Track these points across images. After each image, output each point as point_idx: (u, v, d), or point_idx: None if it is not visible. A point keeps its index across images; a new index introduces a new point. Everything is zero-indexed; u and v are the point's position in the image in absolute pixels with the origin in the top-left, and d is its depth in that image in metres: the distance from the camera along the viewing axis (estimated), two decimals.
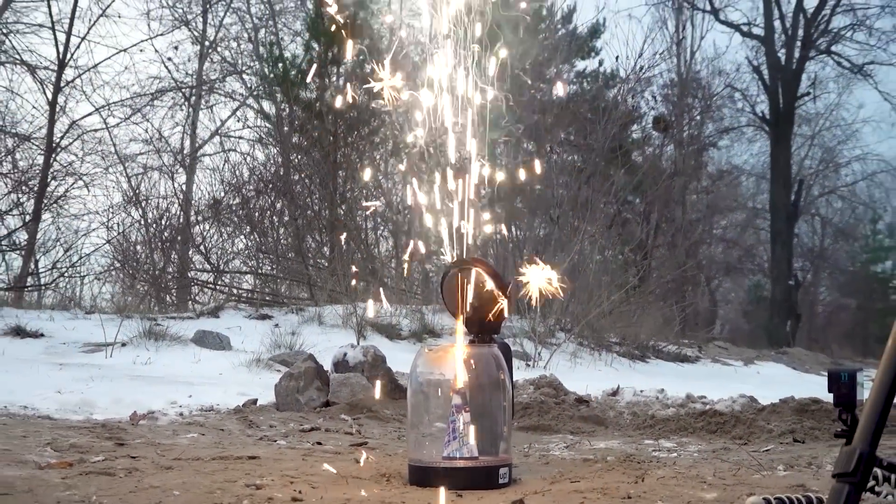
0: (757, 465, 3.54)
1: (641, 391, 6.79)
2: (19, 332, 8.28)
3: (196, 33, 20.51)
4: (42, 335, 8.36)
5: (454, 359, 3.07)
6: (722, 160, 30.47)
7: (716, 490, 2.86)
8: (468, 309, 3.17)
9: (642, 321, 14.44)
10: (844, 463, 1.97)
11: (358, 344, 7.11)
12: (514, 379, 3.71)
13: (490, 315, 3.18)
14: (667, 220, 23.20)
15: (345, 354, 5.93)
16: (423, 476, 2.98)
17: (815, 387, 7.67)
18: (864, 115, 31.57)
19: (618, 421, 5.29)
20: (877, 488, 2.45)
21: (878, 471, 2.39)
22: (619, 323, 13.78)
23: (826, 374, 2.83)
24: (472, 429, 2.99)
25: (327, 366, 5.94)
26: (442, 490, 2.72)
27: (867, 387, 2.52)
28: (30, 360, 7.23)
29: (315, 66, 18.04)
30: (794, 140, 29.49)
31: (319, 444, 4.05)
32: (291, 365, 6.04)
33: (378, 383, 5.58)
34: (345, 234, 15.79)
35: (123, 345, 8.17)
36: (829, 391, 2.49)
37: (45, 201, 17.56)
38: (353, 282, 12.73)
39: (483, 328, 3.20)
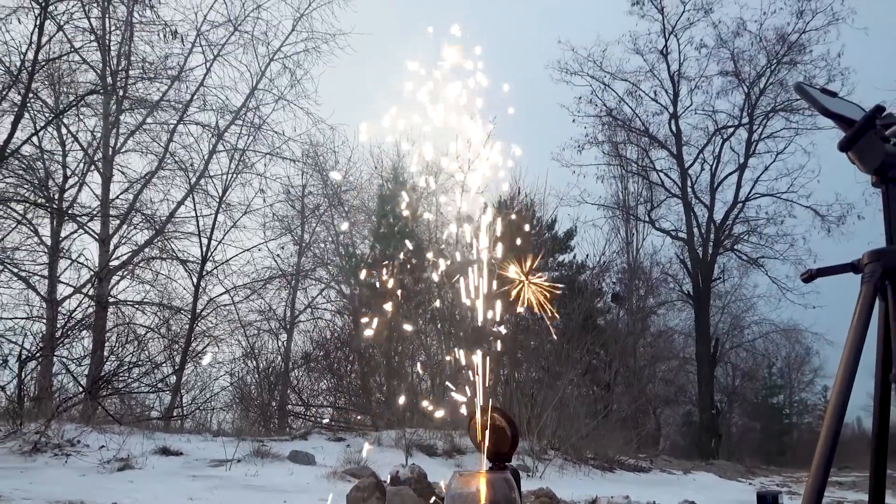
0: None
1: (612, 498, 6.48)
2: (165, 451, 8.07)
3: (296, 237, 20.87)
4: (181, 453, 8.14)
5: (479, 482, 2.91)
6: (660, 323, 30.39)
7: None
8: (489, 444, 3.02)
9: (609, 441, 13.98)
10: None
11: (406, 462, 6.86)
12: (521, 492, 3.52)
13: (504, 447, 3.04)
14: (623, 366, 22.85)
15: (397, 472, 5.71)
16: None
17: (737, 492, 7.32)
18: (758, 291, 31.85)
19: None
20: None
21: None
22: (593, 442, 13.34)
23: (747, 480, 2.63)
24: None
25: (385, 478, 5.71)
26: None
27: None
28: (171, 473, 7.01)
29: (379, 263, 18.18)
30: (711, 309, 29.57)
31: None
32: (359, 478, 5.80)
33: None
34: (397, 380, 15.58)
35: (239, 461, 7.92)
36: None
37: (189, 355, 17.54)
38: (406, 412, 12.44)
39: (499, 457, 3.04)
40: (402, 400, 13.95)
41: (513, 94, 3.43)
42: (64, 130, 16.55)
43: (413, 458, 8.48)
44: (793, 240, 27.31)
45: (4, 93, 14.31)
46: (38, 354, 12.25)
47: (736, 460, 23.54)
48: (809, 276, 2.70)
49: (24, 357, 11.30)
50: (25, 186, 16.09)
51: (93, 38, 15.91)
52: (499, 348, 3.21)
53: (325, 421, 15.49)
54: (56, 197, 16.63)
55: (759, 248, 28.42)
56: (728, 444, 34.08)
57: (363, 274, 18.07)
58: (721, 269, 29.73)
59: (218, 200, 18.05)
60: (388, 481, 5.62)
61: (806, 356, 39.44)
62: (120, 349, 15.26)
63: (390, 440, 10.37)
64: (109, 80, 16.30)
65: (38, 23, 13.78)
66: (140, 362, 15.29)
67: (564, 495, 5.99)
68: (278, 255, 20.15)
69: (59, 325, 14.55)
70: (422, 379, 17.66)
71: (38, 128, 15.47)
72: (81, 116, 16.51)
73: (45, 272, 16.52)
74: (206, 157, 17.69)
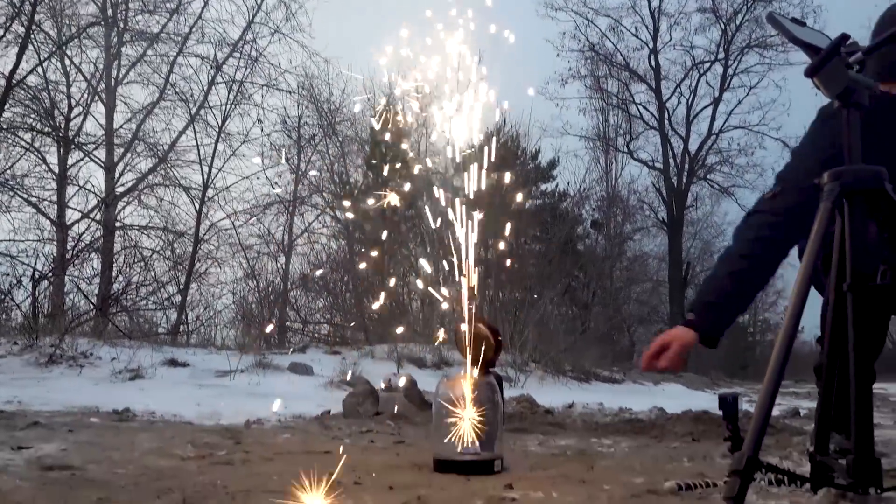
0: (668, 458, 3.41)
1: (587, 405, 6.64)
2: (173, 363, 8.17)
3: (293, 166, 20.75)
4: (188, 365, 8.24)
5: (464, 385, 2.98)
6: (636, 249, 30.52)
7: (642, 476, 2.75)
8: (473, 353, 3.08)
9: (586, 355, 14.22)
10: (736, 463, 1.88)
11: (398, 372, 6.99)
12: (503, 398, 3.60)
13: (488, 356, 3.10)
14: (601, 288, 23.07)
15: (390, 380, 5.82)
16: (444, 466, 2.86)
17: (703, 401, 7.50)
18: (728, 219, 31.95)
19: (573, 426, 5.15)
20: (753, 476, 2.34)
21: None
22: (571, 357, 13.58)
23: (713, 390, 2.72)
24: (475, 433, 2.89)
25: (378, 386, 5.82)
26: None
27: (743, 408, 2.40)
28: (179, 382, 7.12)
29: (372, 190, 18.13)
30: (683, 236, 29.77)
31: (372, 442, 3.93)
32: (354, 386, 5.90)
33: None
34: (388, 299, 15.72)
35: (242, 371, 8.04)
36: (720, 409, 2.39)
37: (193, 276, 17.63)
38: (400, 329, 12.60)
39: (483, 365, 3.11)
40: (399, 329, 14.10)
41: (501, 28, 3.38)
42: (67, 62, 16.33)
43: (404, 370, 8.63)
44: (762, 170, 27.41)
45: (8, 24, 14.01)
46: (50, 274, 12.27)
47: (702, 374, 24.00)
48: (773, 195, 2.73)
49: (37, 277, 11.32)
50: (32, 116, 15.93)
51: None
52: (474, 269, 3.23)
53: (322, 336, 15.65)
54: (62, 126, 16.48)
55: (731, 178, 28.58)
56: (695, 360, 34.59)
57: (348, 204, 18.02)
58: (694, 198, 29.90)
59: (217, 130, 17.94)
60: (381, 388, 5.73)
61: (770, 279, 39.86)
62: (127, 269, 15.30)
63: (383, 353, 10.53)
64: (110, 12, 15.98)
65: None
66: (147, 282, 15.37)
67: (543, 402, 6.14)
68: (276, 183, 20.08)
69: (68, 248, 14.55)
70: (413, 298, 17.84)
71: (41, 59, 15.24)
72: (84, 48, 16.26)
73: (54, 198, 16.48)
74: (205, 89, 17.52)
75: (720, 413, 2.31)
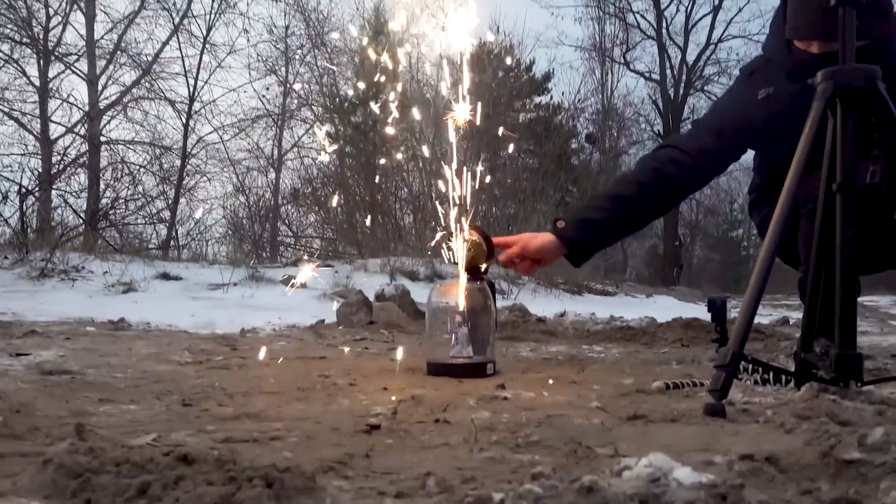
0: (658, 362, 3.51)
1: (579, 314, 6.76)
2: (165, 276, 8.24)
3: (281, 78, 20.43)
4: (181, 278, 8.32)
5: (457, 291, 3.04)
6: (630, 163, 30.38)
7: (632, 377, 2.83)
8: (467, 259, 3.13)
9: (579, 269, 14.39)
10: (722, 358, 1.95)
11: (391, 283, 7.07)
12: (496, 306, 3.66)
13: (481, 263, 3.15)
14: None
15: (382, 290, 5.89)
16: (436, 369, 2.94)
17: (694, 312, 7.64)
18: None
19: (564, 333, 5.25)
20: (739, 376, 2.42)
21: (742, 365, 2.36)
22: (563, 270, 13.73)
23: (704, 302, 2.80)
24: (469, 337, 2.97)
25: (371, 297, 5.90)
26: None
27: (732, 312, 2.48)
28: (172, 295, 7.20)
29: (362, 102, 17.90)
30: None
31: (366, 349, 4.02)
32: (347, 297, 5.99)
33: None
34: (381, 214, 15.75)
35: (235, 285, 8.13)
36: (708, 311, 2.45)
37: (182, 191, 17.57)
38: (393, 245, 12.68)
39: (476, 272, 3.16)
40: (396, 247, 14.15)
41: None
42: None
43: (397, 282, 8.73)
44: None
45: None
46: (37, 189, 12.22)
47: (695, 287, 24.37)
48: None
49: (23, 192, 11.28)
50: (9, 26, 15.57)
51: None
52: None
53: (314, 250, 15.75)
54: (41, 37, 16.11)
55: None
56: (689, 274, 35.08)
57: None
58: (691, 110, 29.60)
59: (202, 41, 17.64)
60: (374, 298, 5.82)
61: None
62: (115, 184, 15.25)
63: (375, 266, 10.63)
64: None
65: None
66: (135, 196, 15.34)
67: (536, 312, 6.25)
68: (264, 96, 19.80)
69: (54, 163, 14.45)
70: (405, 212, 17.88)
71: None
72: None
73: (37, 112, 16.24)
74: None
75: (710, 320, 2.37)
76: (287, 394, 2.35)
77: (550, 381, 2.70)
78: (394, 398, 2.25)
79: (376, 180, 16.79)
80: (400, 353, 3.47)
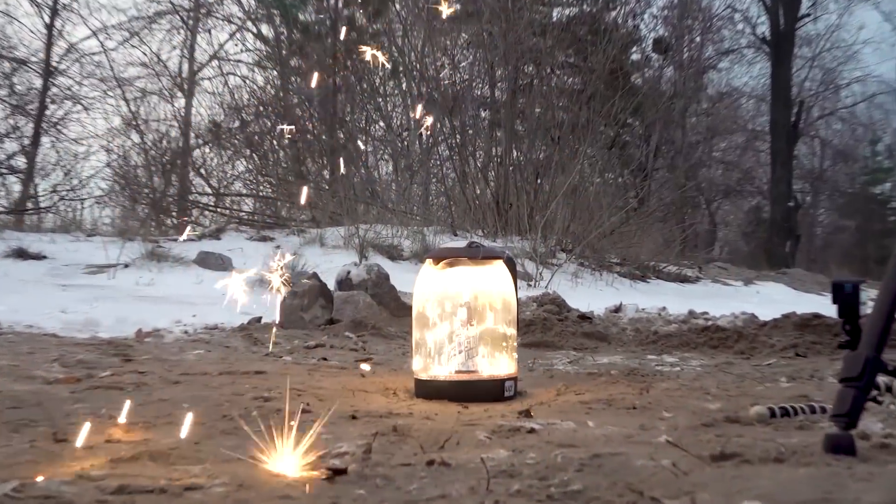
0: (760, 378, 3.55)
1: (643, 309, 6.81)
2: (21, 254, 8.26)
3: None
4: (44, 257, 8.35)
5: (461, 273, 3.07)
6: (721, 82, 30.35)
7: (719, 401, 2.87)
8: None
9: (643, 242, 14.45)
10: (850, 367, 1.97)
11: (362, 263, 7.11)
12: (518, 296, 3.70)
13: None
14: (666, 142, 23.14)
15: (348, 272, 5.93)
16: (430, 389, 2.99)
17: (815, 305, 7.69)
18: (864, 36, 31.30)
19: (620, 337, 5.30)
20: (879, 398, 2.45)
21: (880, 380, 2.39)
22: (619, 244, 13.79)
23: (829, 291, 2.81)
24: (478, 343, 3.00)
25: (331, 284, 5.94)
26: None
27: (868, 304, 2.49)
28: (33, 281, 7.24)
29: None
30: (795, 61, 29.29)
31: (325, 359, 4.06)
32: (296, 285, 6.02)
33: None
34: (343, 157, 15.75)
35: (126, 266, 8.16)
36: (834, 302, 2.46)
37: (44, 125, 17.50)
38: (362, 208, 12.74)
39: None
40: (369, 210, 14.21)
41: None
42: None
43: (370, 262, 8.76)
44: None
45: None
46: None
47: (818, 270, 24.36)
48: None
49: None
50: None
51: None
52: None
53: (245, 215, 15.75)
54: None
55: None
56: (808, 249, 35.06)
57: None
58: (812, 2, 29.34)
59: None
60: (336, 286, 5.86)
61: None
62: None
63: (337, 239, 10.66)
64: None
65: None
66: None
67: (577, 305, 6.29)
68: None
69: None
70: (380, 158, 17.89)
71: None
72: None
73: None
74: None
75: (836, 315, 2.38)
76: (209, 425, 2.38)
77: (599, 407, 2.74)
78: (367, 431, 2.29)
79: (338, 110, 16.78)
80: (370, 367, 3.51)
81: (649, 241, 14.88)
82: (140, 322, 5.23)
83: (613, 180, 18.31)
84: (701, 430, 2.34)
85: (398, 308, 5.58)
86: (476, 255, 3.11)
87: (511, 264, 3.21)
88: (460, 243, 3.20)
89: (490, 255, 3.14)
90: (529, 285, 9.85)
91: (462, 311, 3.02)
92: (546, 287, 9.70)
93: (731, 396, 2.97)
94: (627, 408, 2.74)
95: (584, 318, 5.74)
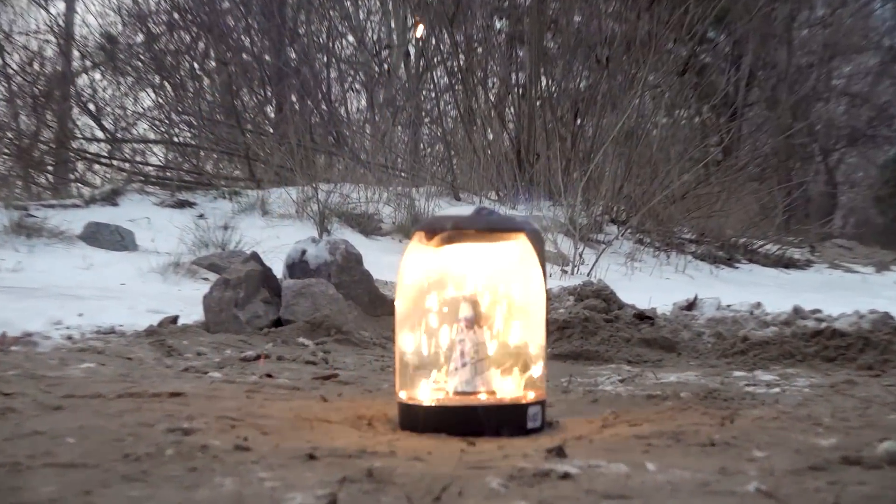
0: (893, 403, 3.58)
1: (728, 305, 6.84)
2: None
3: None
4: None
5: (465, 252, 3.09)
6: None
7: (835, 435, 2.89)
8: None
9: (729, 210, 14.46)
10: None
11: (322, 239, 7.12)
12: (548, 286, 3.72)
13: None
14: (764, 65, 23.08)
15: (303, 253, 5.96)
16: (420, 418, 3.01)
17: None
18: None
19: (695, 345, 5.34)
20: None
21: None
22: (695, 212, 13.82)
23: None
24: (488, 352, 3.04)
25: (279, 270, 5.97)
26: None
27: None
28: None
29: None
30: None
31: (270, 376, 4.09)
32: (226, 269, 6.06)
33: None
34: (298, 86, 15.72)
35: None
36: None
37: None
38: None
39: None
40: (332, 164, 14.22)
41: None
42: None
43: (334, 236, 8.79)
44: None
45: None
46: None
47: None
48: None
49: None
50: None
51: None
52: None
53: (153, 170, 15.76)
54: None
55: None
56: None
57: None
58: None
59: None
60: (286, 272, 5.88)
61: None
62: None
63: (287, 205, 10.69)
64: None
65: None
66: None
67: (632, 299, 6.32)
68: None
69: None
70: (349, 89, 17.89)
71: None
72: None
73: None
74: None
75: None
76: (104, 468, 2.40)
77: (662, 443, 2.77)
78: (330, 476, 2.32)
79: (287, 18, 16.77)
80: (334, 386, 3.54)
81: (739, 208, 14.91)
82: (4, 323, 5.25)
83: (687, 121, 18.32)
84: (807, 474, 2.36)
85: (375, 303, 5.62)
86: (487, 227, 3.13)
87: (537, 241, 3.23)
88: (465, 210, 3.20)
89: (507, 228, 3.16)
90: (565, 271, 9.90)
91: (467, 308, 3.05)
92: (589, 274, 9.75)
93: (851, 429, 3.00)
94: (703, 444, 2.77)
95: (643, 317, 5.77)
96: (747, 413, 3.31)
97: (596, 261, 10.50)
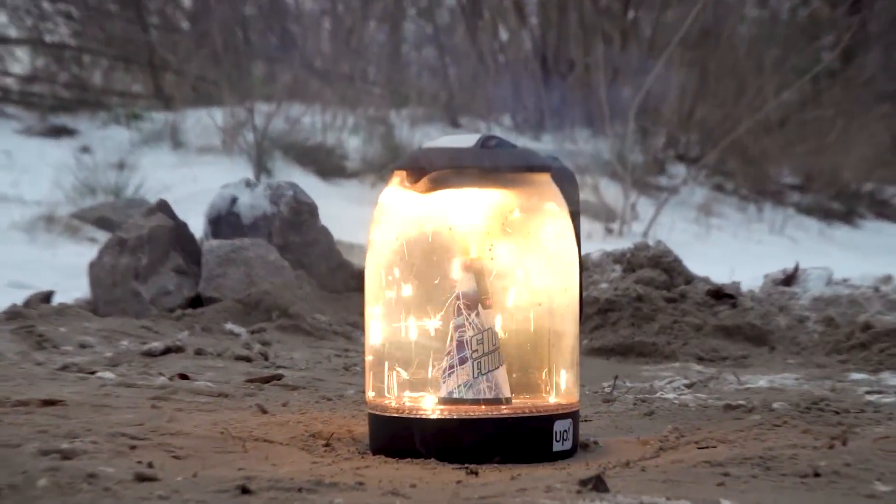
0: None
1: (845, 279, 6.88)
2: None
3: None
4: None
5: (464, 200, 3.12)
6: None
7: None
8: None
9: (849, 143, 14.46)
10: None
11: (262, 181, 7.14)
12: (585, 251, 3.76)
13: None
14: None
15: (233, 202, 5.99)
16: (400, 436, 3.05)
17: None
18: None
19: (795, 336, 5.37)
20: None
21: None
22: (798, 146, 13.83)
23: None
24: (496, 344, 3.07)
25: (197, 227, 6.00)
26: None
27: None
28: None
29: None
30: None
31: (185, 378, 4.13)
32: (121, 226, 6.09)
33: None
34: None
35: None
36: None
37: None
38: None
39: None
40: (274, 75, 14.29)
41: None
42: None
43: (277, 176, 8.85)
44: None
45: None
46: None
47: None
48: None
49: None
50: None
51: None
52: None
53: (13, 82, 15.80)
54: None
55: None
56: None
57: None
58: None
59: None
60: (208, 229, 5.92)
61: None
62: None
63: (208, 133, 10.71)
64: None
65: None
66: None
67: (705, 270, 6.37)
68: None
69: None
70: None
71: None
72: None
73: None
74: None
75: None
76: None
77: (745, 472, 2.81)
78: None
79: None
80: (277, 391, 3.58)
81: (863, 140, 14.91)
82: None
83: (789, 14, 18.31)
84: None
85: (336, 275, 5.66)
86: (497, 165, 3.16)
87: (570, 185, 3.26)
88: (465, 141, 3.22)
89: (526, 166, 3.19)
90: (610, 230, 9.95)
91: (468, 281, 3.08)
92: (645, 234, 9.79)
93: None
94: (803, 475, 2.81)
95: (721, 295, 5.81)
96: (867, 432, 3.34)
97: (655, 215, 10.54)
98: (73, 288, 5.69)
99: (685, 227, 10.41)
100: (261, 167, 9.57)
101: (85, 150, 9.94)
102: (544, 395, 3.09)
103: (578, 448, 3.10)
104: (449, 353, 3.05)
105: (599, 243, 7.74)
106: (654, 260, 6.10)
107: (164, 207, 5.93)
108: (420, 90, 13.83)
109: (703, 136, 12.66)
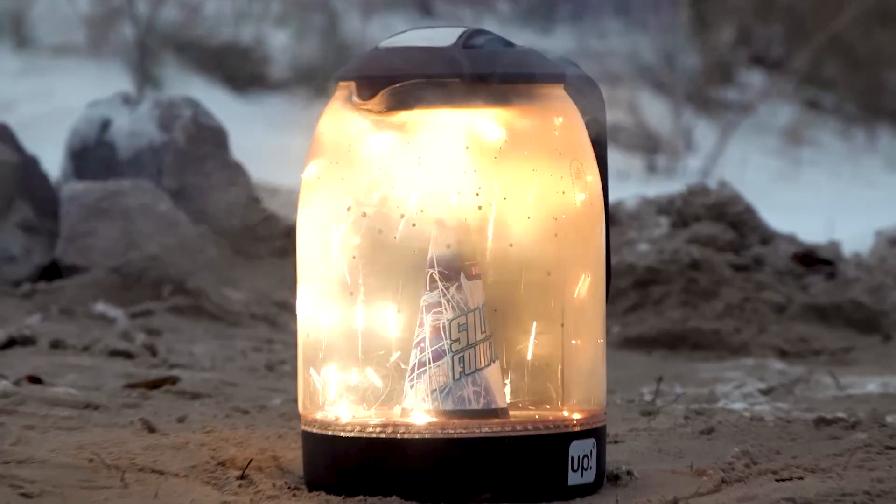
0: None
1: None
2: None
3: None
4: None
5: (440, 124, 3.15)
6: None
7: None
8: None
9: None
10: None
11: (143, 96, 7.16)
12: (615, 197, 3.79)
13: None
14: None
15: (105, 126, 6.02)
16: (346, 465, 3.09)
17: None
18: None
19: None
20: None
21: None
22: None
23: None
24: (489, 330, 3.11)
25: (52, 162, 6.04)
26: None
27: None
28: None
29: None
30: None
31: (37, 381, 4.17)
32: None
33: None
34: None
35: None
36: None
37: None
38: None
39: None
40: None
41: None
42: None
43: (168, 89, 8.92)
44: None
45: None
46: None
47: None
48: None
49: None
50: None
51: None
52: None
53: None
54: None
55: None
56: None
57: None
58: None
59: None
60: (67, 168, 5.96)
61: None
62: None
63: (67, 29, 10.78)
64: None
65: None
66: None
67: (800, 228, 6.42)
68: None
69: None
70: None
71: None
72: None
73: None
74: None
75: None
76: None
77: None
78: None
79: None
80: (173, 406, 3.63)
81: None
82: None
83: None
84: None
85: (253, 231, 5.70)
86: (485, 72, 3.19)
87: (593, 101, 3.30)
88: (441, 36, 3.22)
89: (529, 76, 3.22)
90: (651, 167, 10.00)
91: (444, 238, 3.10)
92: (704, 173, 9.84)
93: None
94: None
95: (813, 261, 5.85)
96: None
97: (719, 146, 10.60)
98: None
99: (763, 161, 10.44)
100: (145, 76, 9.61)
101: None
102: (556, 404, 3.12)
103: (605, 480, 3.14)
104: (418, 344, 3.07)
105: (638, 186, 7.80)
106: (716, 210, 6.09)
107: (3, 135, 5.95)
108: None
109: (790, 29, 12.71)
